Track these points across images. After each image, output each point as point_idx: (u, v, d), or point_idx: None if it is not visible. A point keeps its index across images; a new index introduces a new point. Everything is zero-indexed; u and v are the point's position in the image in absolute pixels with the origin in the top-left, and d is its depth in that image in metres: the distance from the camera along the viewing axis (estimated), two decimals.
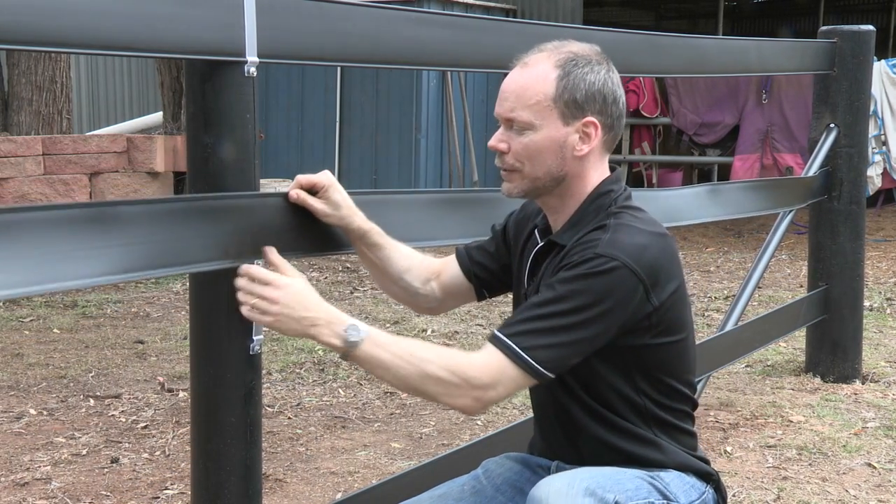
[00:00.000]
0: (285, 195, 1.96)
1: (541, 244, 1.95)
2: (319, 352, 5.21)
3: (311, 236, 2.03)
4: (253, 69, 1.88)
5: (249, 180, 1.91)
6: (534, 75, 1.84)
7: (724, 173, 10.54)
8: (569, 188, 1.89)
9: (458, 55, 2.45)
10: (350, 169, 10.25)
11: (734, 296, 4.20)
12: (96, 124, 12.19)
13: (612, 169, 1.95)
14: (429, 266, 2.14)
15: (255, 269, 1.83)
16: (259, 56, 1.88)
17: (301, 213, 1.98)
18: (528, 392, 1.98)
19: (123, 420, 4.18)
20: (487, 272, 2.11)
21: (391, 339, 1.80)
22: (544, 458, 2.01)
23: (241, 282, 1.83)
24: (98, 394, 4.49)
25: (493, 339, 1.80)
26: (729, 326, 3.89)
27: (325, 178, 2.00)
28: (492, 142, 1.89)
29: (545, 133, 1.84)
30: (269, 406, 4.29)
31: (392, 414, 4.27)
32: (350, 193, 2.05)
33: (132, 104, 12.97)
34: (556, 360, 1.78)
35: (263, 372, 2.08)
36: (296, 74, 10.32)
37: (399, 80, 9.85)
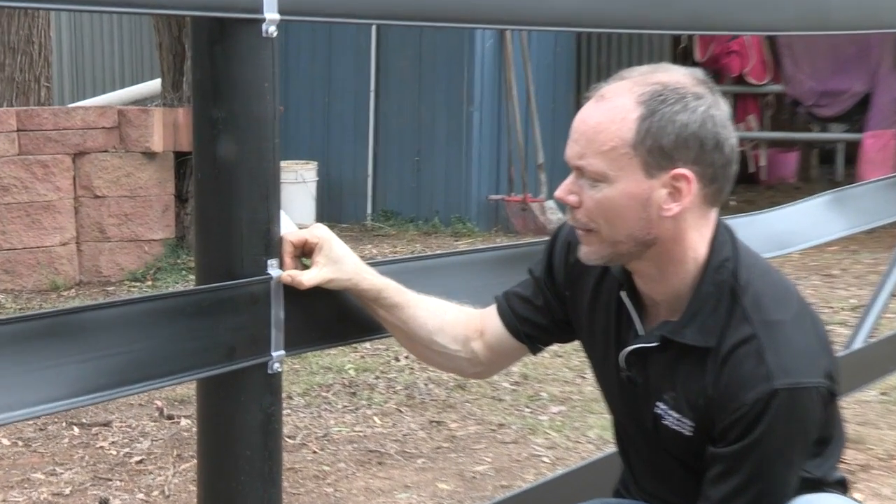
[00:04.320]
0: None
1: (653, 343, 1.90)
2: (351, 371, 5.24)
3: (337, 318, 2.08)
4: (272, 28, 1.89)
5: (267, 164, 1.93)
6: (610, 113, 1.80)
7: (852, 153, 10.42)
8: (664, 254, 1.86)
9: (520, 10, 2.44)
10: (387, 151, 10.28)
11: (864, 306, 4.15)
12: (81, 94, 12.34)
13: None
14: (466, 323, 2.12)
15: None
16: (280, 13, 1.89)
17: (317, 292, 1.99)
18: (606, 426, 2.00)
19: (114, 453, 4.24)
20: (538, 329, 2.10)
21: None
22: None
23: None
24: (84, 420, 4.56)
25: None
26: (857, 344, 3.85)
27: (320, 232, 2.00)
28: (560, 192, 1.87)
29: (622, 187, 1.80)
30: (289, 437, 4.32)
31: (439, 448, 4.29)
32: (374, 264, 2.06)
33: (124, 70, 13.12)
34: None
35: (283, 395, 2.11)
36: (322, 35, 10.37)
37: (447, 42, 9.85)
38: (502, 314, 2.11)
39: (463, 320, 2.12)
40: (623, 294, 1.95)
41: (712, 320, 1.84)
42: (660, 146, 1.78)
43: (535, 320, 2.09)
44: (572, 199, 1.85)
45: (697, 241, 1.86)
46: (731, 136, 1.83)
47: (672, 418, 1.89)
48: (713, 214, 1.89)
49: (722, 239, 1.89)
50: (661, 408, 1.90)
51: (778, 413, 1.77)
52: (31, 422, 4.53)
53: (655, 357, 1.90)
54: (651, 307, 1.94)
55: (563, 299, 2.07)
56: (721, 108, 1.83)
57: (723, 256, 1.87)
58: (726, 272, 1.86)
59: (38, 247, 7.32)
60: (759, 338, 1.81)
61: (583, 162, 1.82)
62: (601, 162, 1.80)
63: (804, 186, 11.71)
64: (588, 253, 1.89)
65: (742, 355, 1.81)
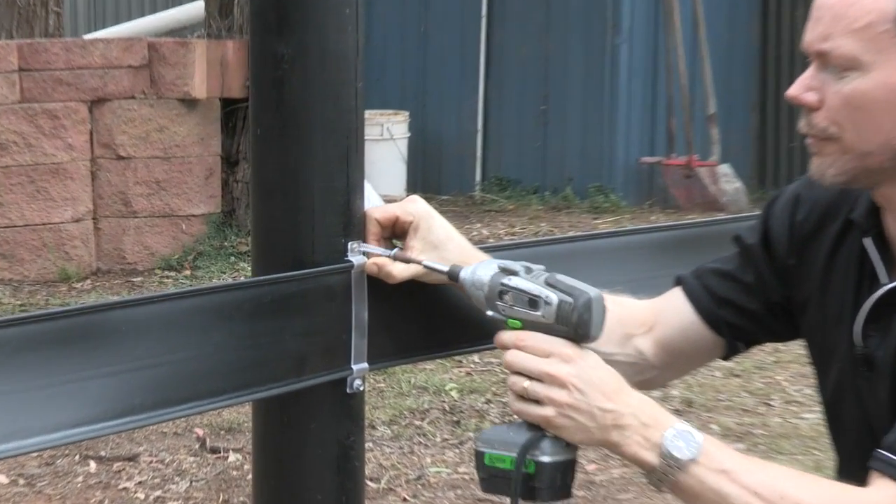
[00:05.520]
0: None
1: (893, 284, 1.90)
2: (453, 392, 5.26)
3: (437, 321, 2.09)
4: None
5: (348, 115, 1.95)
6: None
7: None
8: None
9: None
10: (504, 95, 10.29)
11: None
12: (100, 23, 12.55)
13: None
14: (624, 316, 2.10)
15: (531, 336, 1.83)
16: None
17: (411, 286, 2.00)
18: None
19: (141, 496, 4.31)
20: (744, 316, 2.09)
21: (742, 463, 1.80)
22: None
23: (510, 356, 1.84)
24: (103, 453, 4.64)
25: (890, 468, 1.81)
26: None
27: (415, 207, 2.00)
28: (793, 90, 1.86)
29: (880, 77, 1.81)
30: (372, 479, 4.37)
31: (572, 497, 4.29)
32: (488, 249, 2.04)
33: None
34: None
35: (365, 423, 2.13)
36: None
37: None
38: (691, 295, 2.11)
39: (619, 313, 2.08)
40: (867, 241, 1.94)
41: None
42: None
43: (741, 303, 2.09)
44: (810, 97, 1.85)
45: None
46: None
47: None
48: None
49: None
50: None
51: None
52: (34, 455, 4.63)
53: None
54: None
55: (785, 273, 2.06)
56: None
57: None
58: None
59: (43, 224, 7.44)
60: None
61: (828, 45, 1.82)
62: (853, 43, 1.81)
63: None
64: (823, 168, 1.89)
65: None
